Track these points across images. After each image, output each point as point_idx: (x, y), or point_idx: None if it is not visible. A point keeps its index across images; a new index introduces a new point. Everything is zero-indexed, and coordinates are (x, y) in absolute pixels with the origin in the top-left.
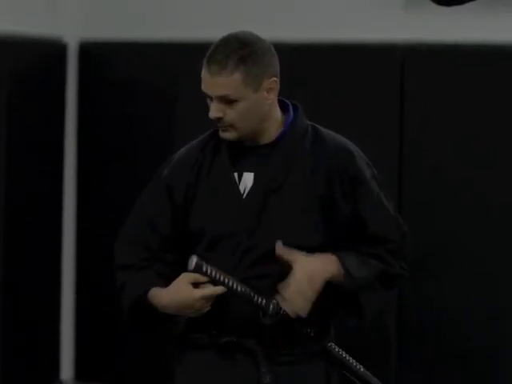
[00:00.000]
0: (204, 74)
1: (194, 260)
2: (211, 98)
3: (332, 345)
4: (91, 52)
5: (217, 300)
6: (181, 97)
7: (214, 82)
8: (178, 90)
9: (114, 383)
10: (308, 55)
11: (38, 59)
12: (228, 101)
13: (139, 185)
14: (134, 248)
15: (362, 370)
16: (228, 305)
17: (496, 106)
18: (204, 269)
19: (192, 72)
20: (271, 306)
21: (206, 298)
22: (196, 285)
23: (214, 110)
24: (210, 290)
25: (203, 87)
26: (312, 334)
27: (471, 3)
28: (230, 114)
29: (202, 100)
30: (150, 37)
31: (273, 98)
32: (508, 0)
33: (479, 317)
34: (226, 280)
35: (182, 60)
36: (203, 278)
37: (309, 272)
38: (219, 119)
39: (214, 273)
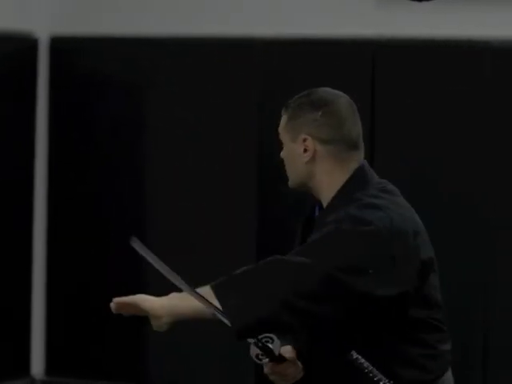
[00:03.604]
0: None
1: None
2: None
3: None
4: (62, 47)
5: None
6: (152, 92)
7: None
8: (150, 85)
9: (87, 378)
10: (280, 50)
11: (8, 54)
12: (281, 142)
13: (111, 179)
14: None
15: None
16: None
17: (467, 101)
18: None
19: (164, 67)
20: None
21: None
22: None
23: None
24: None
25: None
26: None
27: None
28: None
29: (173, 95)
30: (121, 32)
31: (308, 157)
32: None
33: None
34: None
35: (154, 55)
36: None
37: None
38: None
39: None
